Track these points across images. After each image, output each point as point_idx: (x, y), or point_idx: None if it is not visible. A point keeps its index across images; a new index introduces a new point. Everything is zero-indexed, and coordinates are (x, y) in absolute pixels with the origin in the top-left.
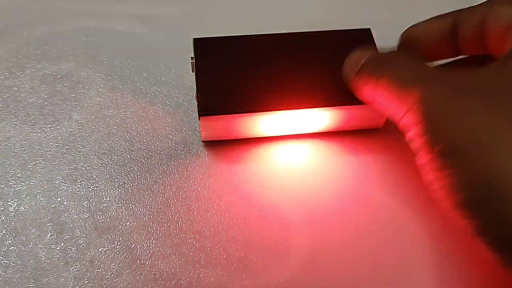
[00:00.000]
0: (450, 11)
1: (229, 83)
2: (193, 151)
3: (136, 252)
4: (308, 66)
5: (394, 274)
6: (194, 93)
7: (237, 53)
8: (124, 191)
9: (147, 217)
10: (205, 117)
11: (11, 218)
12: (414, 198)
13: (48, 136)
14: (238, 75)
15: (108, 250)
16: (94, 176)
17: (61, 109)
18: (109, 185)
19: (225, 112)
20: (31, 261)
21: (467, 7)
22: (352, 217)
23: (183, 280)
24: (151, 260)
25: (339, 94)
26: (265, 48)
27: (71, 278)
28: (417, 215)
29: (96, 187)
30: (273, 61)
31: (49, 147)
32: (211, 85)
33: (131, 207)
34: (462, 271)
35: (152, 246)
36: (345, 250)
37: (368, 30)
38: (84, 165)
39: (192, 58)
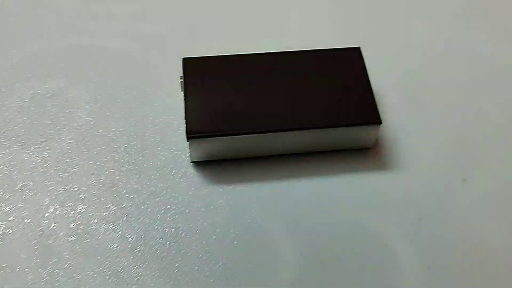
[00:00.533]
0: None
1: (218, 104)
2: (181, 172)
3: (124, 276)
4: (298, 85)
5: None
6: (183, 113)
7: (226, 73)
8: (112, 213)
9: (135, 239)
10: (194, 139)
11: None
12: (402, 218)
13: (37, 156)
14: (228, 96)
15: (96, 273)
16: (82, 198)
17: (50, 129)
18: (97, 207)
19: (214, 134)
20: (18, 285)
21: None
22: (341, 238)
23: None
24: (138, 284)
25: (330, 115)
26: (255, 68)
27: None
28: (404, 235)
29: (84, 209)
30: (262, 81)
31: (38, 168)
32: (200, 106)
33: (118, 230)
34: None
35: (139, 269)
36: (333, 272)
37: (358, 49)
38: (73, 187)
39: (181, 78)
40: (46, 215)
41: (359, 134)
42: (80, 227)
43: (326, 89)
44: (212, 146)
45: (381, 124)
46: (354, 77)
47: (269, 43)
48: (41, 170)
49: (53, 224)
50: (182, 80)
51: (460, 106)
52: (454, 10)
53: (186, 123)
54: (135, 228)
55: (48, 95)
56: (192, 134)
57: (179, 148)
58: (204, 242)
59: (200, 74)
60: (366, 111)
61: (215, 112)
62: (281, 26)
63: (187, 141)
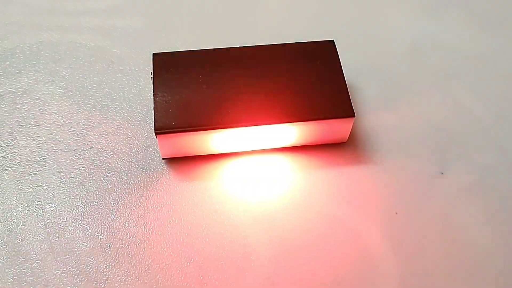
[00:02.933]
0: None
1: (188, 99)
2: (153, 169)
3: (92, 275)
4: (271, 80)
5: None
6: None
7: (197, 68)
8: (82, 211)
9: (105, 238)
10: (162, 135)
11: None
12: (377, 212)
13: (6, 155)
14: (197, 91)
15: (64, 273)
16: (51, 196)
17: (20, 127)
18: (67, 205)
19: (182, 130)
20: None
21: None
22: (314, 232)
23: None
24: (108, 283)
25: (303, 109)
26: (226, 62)
27: None
28: (380, 229)
29: (53, 207)
30: (234, 76)
31: (7, 167)
32: (169, 102)
33: (88, 228)
34: (425, 286)
35: (108, 268)
36: (306, 267)
37: (332, 42)
38: (42, 185)
39: (151, 73)
40: (15, 214)
41: (333, 127)
42: (49, 226)
43: (299, 83)
44: (182, 141)
45: (357, 118)
46: (328, 71)
47: (242, 37)
48: (10, 169)
49: (21, 223)
50: (152, 76)
51: (437, 98)
52: (429, 2)
53: (154, 119)
54: (105, 226)
55: (18, 93)
56: (160, 130)
57: (151, 144)
58: (175, 239)
59: (169, 69)
60: (340, 104)
61: (185, 108)
62: (254, 20)
63: (156, 137)
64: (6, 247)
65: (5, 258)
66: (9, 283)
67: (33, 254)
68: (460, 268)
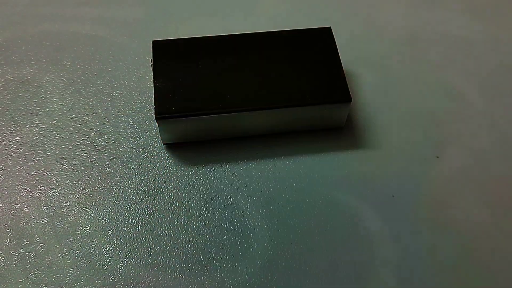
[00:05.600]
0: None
1: (187, 85)
2: (154, 154)
3: (95, 257)
4: (269, 66)
5: (354, 272)
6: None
7: (196, 54)
8: (84, 195)
9: (107, 221)
10: (162, 120)
11: None
12: (374, 196)
13: (9, 142)
14: (198, 77)
15: (67, 255)
16: (54, 181)
17: (23, 115)
18: (69, 190)
19: (182, 115)
20: None
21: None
22: (314, 216)
23: (142, 284)
24: (110, 264)
25: (300, 94)
26: (225, 49)
27: (29, 284)
28: (379, 215)
29: (56, 192)
30: (233, 62)
31: (10, 153)
32: (169, 87)
33: (90, 212)
34: (422, 269)
35: (111, 250)
36: (305, 250)
37: (329, 28)
38: (45, 171)
39: (151, 61)
40: (18, 198)
41: (330, 112)
42: (52, 210)
43: (297, 69)
44: (182, 126)
45: (354, 104)
46: (325, 57)
47: (240, 24)
48: (13, 155)
49: (25, 208)
50: (152, 63)
51: (432, 85)
52: None
53: (154, 104)
54: (107, 210)
55: (21, 82)
56: (160, 114)
57: (151, 131)
58: (176, 223)
59: (169, 56)
60: (337, 89)
61: (184, 93)
62: (251, 7)
63: (156, 122)
64: (10, 230)
65: (10, 242)
66: (14, 265)
67: (37, 237)
68: (456, 250)
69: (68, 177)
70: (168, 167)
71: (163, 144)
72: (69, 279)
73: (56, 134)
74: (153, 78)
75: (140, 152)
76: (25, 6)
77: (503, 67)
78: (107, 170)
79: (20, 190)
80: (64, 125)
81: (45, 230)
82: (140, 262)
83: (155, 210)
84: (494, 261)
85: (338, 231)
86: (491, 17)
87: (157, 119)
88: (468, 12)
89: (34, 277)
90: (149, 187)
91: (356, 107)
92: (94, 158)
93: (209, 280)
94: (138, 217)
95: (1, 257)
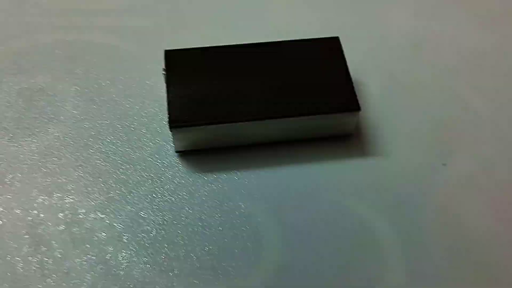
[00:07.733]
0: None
1: (200, 94)
2: (167, 162)
3: (111, 263)
4: (278, 75)
5: (364, 278)
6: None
7: (208, 64)
8: (99, 203)
9: (122, 228)
10: (177, 129)
11: None
12: (383, 203)
13: (25, 149)
14: (209, 86)
15: (84, 261)
16: (70, 189)
17: (38, 123)
18: (85, 197)
19: (196, 124)
20: (8, 273)
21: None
22: (324, 223)
23: None
24: (126, 270)
25: (310, 103)
26: (236, 59)
27: None
28: (387, 221)
29: (72, 199)
30: (244, 71)
31: (26, 160)
32: (182, 96)
33: (106, 219)
34: (431, 275)
35: (126, 256)
36: (316, 257)
37: (337, 38)
38: (60, 178)
39: (164, 70)
40: (35, 205)
41: (339, 121)
42: (69, 217)
43: (306, 78)
44: (195, 135)
45: (362, 112)
46: (333, 66)
47: (250, 34)
48: (29, 162)
49: (42, 215)
50: (164, 72)
51: (439, 93)
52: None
53: (168, 113)
54: (122, 217)
55: (35, 90)
56: (174, 123)
57: (164, 138)
58: (190, 229)
59: (182, 65)
60: (345, 98)
61: (197, 102)
62: (261, 17)
63: (170, 131)
64: (28, 236)
65: (28, 248)
66: (32, 271)
67: (54, 243)
68: (462, 257)
69: (83, 184)
70: (181, 175)
71: (176, 152)
72: (86, 285)
73: (71, 142)
74: (166, 87)
75: (153, 159)
76: (39, 16)
77: (510, 75)
78: (121, 178)
79: (37, 197)
80: (79, 133)
81: (62, 236)
82: (155, 268)
83: (169, 216)
84: (502, 267)
85: (348, 238)
86: (498, 26)
87: (171, 128)
88: (475, 20)
89: (53, 282)
90: (163, 194)
91: (365, 115)
92: (108, 166)
93: (222, 286)
94: (152, 223)
95: (20, 263)
